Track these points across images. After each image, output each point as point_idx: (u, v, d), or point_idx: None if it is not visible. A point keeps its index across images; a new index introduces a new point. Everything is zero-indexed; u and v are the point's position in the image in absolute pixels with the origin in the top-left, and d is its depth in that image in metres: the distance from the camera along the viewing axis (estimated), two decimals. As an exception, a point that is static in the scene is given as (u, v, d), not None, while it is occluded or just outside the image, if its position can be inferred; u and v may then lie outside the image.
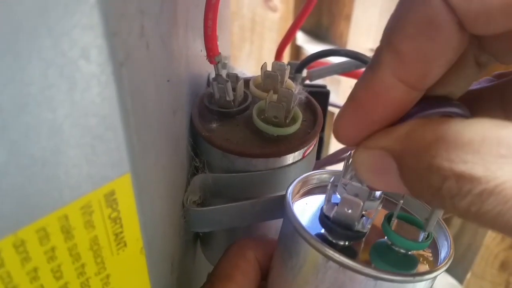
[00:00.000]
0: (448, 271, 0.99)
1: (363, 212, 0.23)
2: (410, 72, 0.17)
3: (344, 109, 0.19)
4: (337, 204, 0.23)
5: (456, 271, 1.00)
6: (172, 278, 0.31)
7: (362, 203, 0.22)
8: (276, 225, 0.37)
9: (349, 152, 0.22)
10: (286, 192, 0.26)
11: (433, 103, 0.19)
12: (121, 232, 0.20)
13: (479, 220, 0.15)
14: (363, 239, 0.25)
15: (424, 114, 0.19)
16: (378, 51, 0.18)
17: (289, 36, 0.49)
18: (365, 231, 0.23)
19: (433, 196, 0.16)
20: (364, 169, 0.19)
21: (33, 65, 0.14)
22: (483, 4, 0.15)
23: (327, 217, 0.24)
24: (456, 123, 0.16)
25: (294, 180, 0.27)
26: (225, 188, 0.33)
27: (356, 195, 0.22)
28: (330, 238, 0.24)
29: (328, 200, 0.24)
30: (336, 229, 0.23)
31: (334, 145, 1.14)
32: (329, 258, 0.21)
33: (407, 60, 0.17)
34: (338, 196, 0.23)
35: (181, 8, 0.28)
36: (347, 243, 0.24)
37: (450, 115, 0.20)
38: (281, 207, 0.25)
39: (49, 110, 0.15)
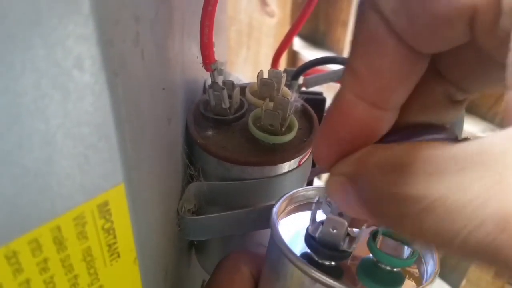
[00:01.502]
0: (443, 277, 0.99)
1: (348, 231, 0.23)
2: (366, 89, 0.17)
3: (318, 129, 0.20)
4: (322, 223, 0.23)
5: (451, 277, 1.00)
6: (166, 287, 0.31)
7: (346, 223, 0.22)
8: (271, 233, 0.37)
9: None
10: (271, 212, 0.25)
11: (418, 131, 0.19)
12: (115, 243, 0.20)
13: (425, 239, 0.14)
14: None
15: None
16: (343, 72, 0.18)
17: (286, 43, 0.48)
18: (350, 250, 0.23)
19: (386, 222, 0.16)
20: (332, 195, 0.19)
21: (26, 75, 0.14)
22: (411, 19, 0.15)
23: (312, 237, 0.23)
24: (395, 147, 0.16)
25: (280, 199, 0.27)
26: (220, 196, 0.33)
27: (341, 215, 0.22)
28: (316, 259, 0.24)
29: (313, 220, 0.24)
30: (322, 250, 0.23)
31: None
32: (316, 280, 0.21)
33: (361, 77, 0.17)
34: (323, 214, 0.23)
35: (177, 15, 0.27)
36: (333, 263, 0.24)
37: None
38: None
39: (42, 120, 0.15)
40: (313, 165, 0.45)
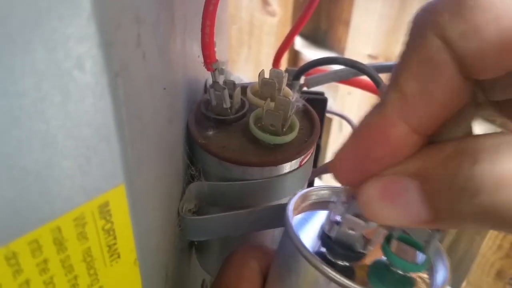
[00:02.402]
0: (444, 278, 0.99)
1: (363, 233, 0.23)
2: (413, 112, 0.17)
3: (346, 143, 0.19)
4: (338, 223, 0.23)
5: (452, 279, 1.00)
6: (166, 287, 0.31)
7: (364, 224, 0.22)
8: (272, 234, 0.37)
9: None
10: (286, 209, 0.25)
11: None
12: (115, 244, 0.20)
13: (490, 220, 0.15)
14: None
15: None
16: (386, 90, 0.18)
17: (287, 42, 0.48)
18: (366, 252, 0.23)
19: (452, 215, 0.16)
20: (377, 198, 0.18)
21: (27, 77, 0.14)
22: (481, 43, 0.15)
23: (328, 236, 0.23)
24: (452, 143, 0.16)
25: (293, 196, 0.27)
26: (221, 197, 0.33)
27: (358, 216, 0.22)
28: (329, 257, 0.24)
29: (329, 219, 0.24)
30: (338, 250, 0.23)
31: (332, 153, 1.14)
32: (331, 279, 0.21)
33: (411, 100, 0.17)
34: (340, 215, 0.23)
35: (178, 15, 0.27)
36: (346, 263, 0.24)
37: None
38: (277, 217, 0.25)
39: (42, 122, 0.15)
40: (314, 165, 0.45)
